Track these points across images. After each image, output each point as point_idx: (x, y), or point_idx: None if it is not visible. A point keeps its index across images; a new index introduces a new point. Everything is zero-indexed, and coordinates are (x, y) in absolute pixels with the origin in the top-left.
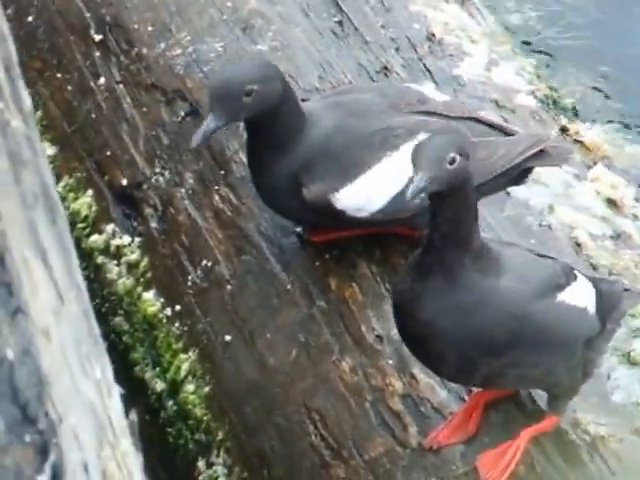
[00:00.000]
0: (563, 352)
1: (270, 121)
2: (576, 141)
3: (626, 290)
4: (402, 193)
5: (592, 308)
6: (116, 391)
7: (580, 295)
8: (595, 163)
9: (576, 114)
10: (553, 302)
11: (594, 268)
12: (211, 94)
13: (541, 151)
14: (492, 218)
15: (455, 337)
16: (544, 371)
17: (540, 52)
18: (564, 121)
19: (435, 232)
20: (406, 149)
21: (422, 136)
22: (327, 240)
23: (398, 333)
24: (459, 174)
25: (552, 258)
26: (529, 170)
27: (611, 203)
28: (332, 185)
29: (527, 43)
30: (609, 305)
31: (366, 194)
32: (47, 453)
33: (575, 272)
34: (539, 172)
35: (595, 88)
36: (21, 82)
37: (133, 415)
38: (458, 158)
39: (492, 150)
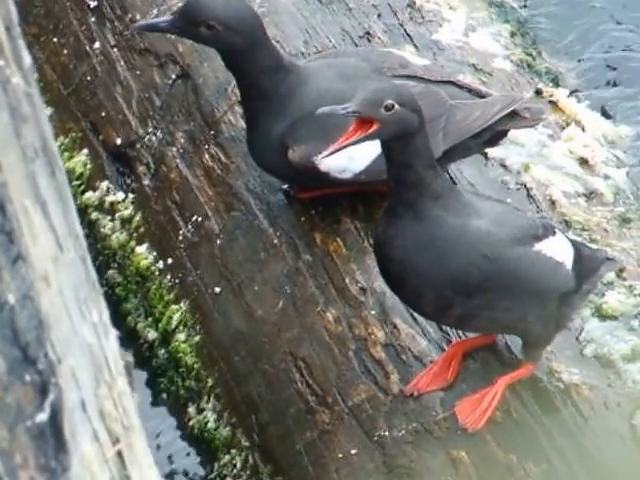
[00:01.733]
0: (536, 300)
1: (244, 69)
2: (550, 102)
3: (608, 259)
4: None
5: (569, 265)
6: (112, 333)
7: (557, 249)
8: (568, 124)
9: (551, 78)
10: (529, 250)
11: (568, 225)
12: (184, 4)
13: (516, 113)
14: (472, 177)
15: (427, 273)
16: (516, 316)
17: (516, 17)
18: (539, 84)
19: (391, 177)
20: None
21: None
22: (312, 197)
23: (381, 275)
24: (397, 121)
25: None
26: (505, 133)
27: (583, 162)
28: (316, 147)
29: (503, 9)
30: (588, 268)
31: (349, 156)
32: (46, 392)
33: (555, 230)
34: (515, 134)
35: (570, 51)
36: (21, 41)
37: (128, 356)
38: (397, 107)
39: (469, 112)
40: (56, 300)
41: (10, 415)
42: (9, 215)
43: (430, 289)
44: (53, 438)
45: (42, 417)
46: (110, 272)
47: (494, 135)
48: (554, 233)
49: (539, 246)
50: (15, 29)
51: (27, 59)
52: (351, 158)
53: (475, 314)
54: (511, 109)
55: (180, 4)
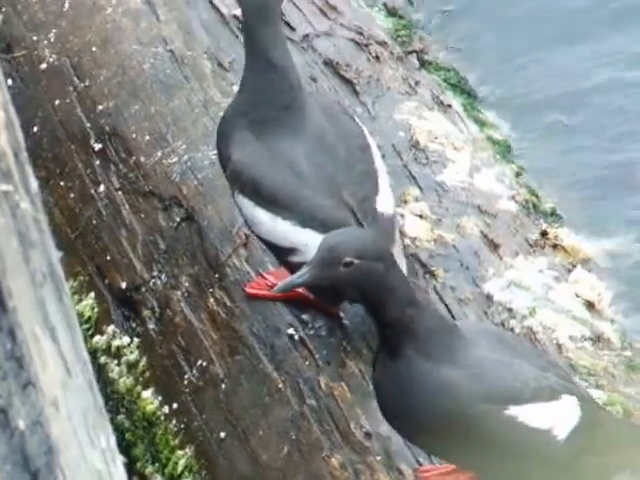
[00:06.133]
0: (497, 460)
1: None
2: (556, 245)
3: None
4: None
5: (557, 435)
6: (120, 459)
7: (543, 417)
8: (574, 266)
9: (556, 219)
10: (496, 410)
11: (574, 369)
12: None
13: None
14: (477, 320)
15: (392, 410)
16: (478, 468)
17: (520, 157)
18: (544, 225)
19: (369, 315)
20: None
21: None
22: (258, 296)
23: None
24: (358, 275)
25: (555, 368)
26: None
27: (590, 306)
28: None
29: (508, 149)
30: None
31: None
32: None
33: (564, 396)
34: (521, 277)
35: (574, 192)
36: (28, 166)
37: None
38: (356, 262)
39: None
40: (65, 426)
41: None
42: (19, 341)
43: (396, 426)
44: None
45: None
46: (119, 417)
47: None
48: (558, 398)
49: (514, 409)
50: (22, 154)
51: (34, 184)
52: None
53: (437, 453)
54: None
55: (184, 146)
